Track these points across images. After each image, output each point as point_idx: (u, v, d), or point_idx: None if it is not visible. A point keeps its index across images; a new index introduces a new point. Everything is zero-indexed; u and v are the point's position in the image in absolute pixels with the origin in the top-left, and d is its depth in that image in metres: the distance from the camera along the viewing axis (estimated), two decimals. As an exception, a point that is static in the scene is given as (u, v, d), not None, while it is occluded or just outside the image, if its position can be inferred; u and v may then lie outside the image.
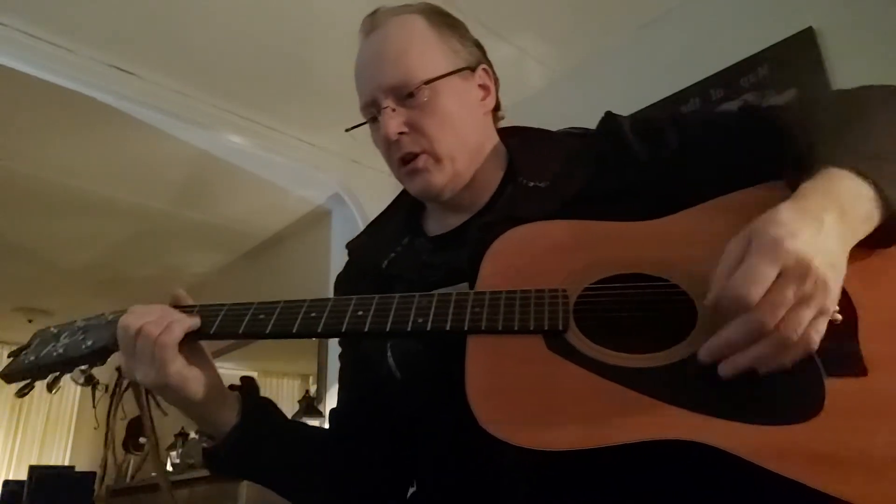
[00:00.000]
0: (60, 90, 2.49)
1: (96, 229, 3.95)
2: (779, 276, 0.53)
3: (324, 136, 3.04)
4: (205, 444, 0.80)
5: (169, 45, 2.41)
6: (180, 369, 0.73)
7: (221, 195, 3.66)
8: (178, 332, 0.72)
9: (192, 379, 0.74)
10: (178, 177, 3.43)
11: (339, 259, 3.55)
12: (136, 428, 4.38)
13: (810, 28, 1.89)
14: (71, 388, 6.04)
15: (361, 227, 3.07)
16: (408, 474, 0.89)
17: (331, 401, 3.21)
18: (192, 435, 3.98)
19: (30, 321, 5.08)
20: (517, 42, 2.45)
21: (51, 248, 4.19)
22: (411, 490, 0.89)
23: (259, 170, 3.33)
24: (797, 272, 0.53)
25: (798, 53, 1.90)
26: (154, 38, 2.36)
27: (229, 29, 2.33)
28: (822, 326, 0.54)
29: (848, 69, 1.81)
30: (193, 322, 0.75)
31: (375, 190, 3.14)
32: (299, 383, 3.89)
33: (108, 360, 0.80)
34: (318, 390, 3.45)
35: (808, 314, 0.53)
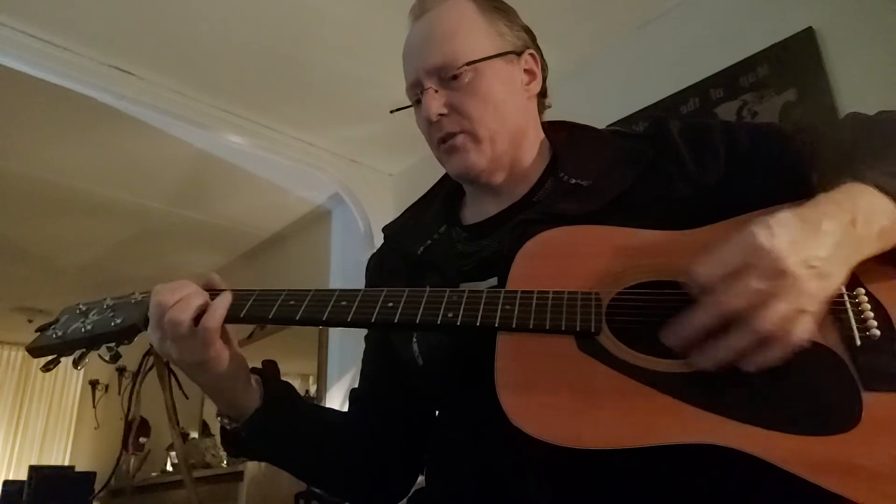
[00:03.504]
0: (60, 90, 2.49)
1: (96, 229, 3.95)
2: (747, 268, 0.54)
3: (323, 136, 3.04)
4: (226, 425, 0.81)
5: (168, 46, 2.41)
6: (219, 350, 0.74)
7: (221, 195, 3.66)
8: (219, 317, 0.73)
9: (226, 359, 0.75)
10: (178, 177, 3.43)
11: (339, 259, 3.56)
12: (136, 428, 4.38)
13: (810, 28, 1.89)
14: (71, 388, 6.05)
15: (361, 227, 3.10)
16: (420, 462, 0.90)
17: (331, 400, 3.22)
18: (193, 435, 3.98)
19: (30, 321, 5.08)
20: (517, 42, 2.45)
21: (50, 248, 4.19)
22: (419, 479, 0.90)
23: (259, 170, 3.34)
24: (765, 266, 0.54)
25: (798, 53, 1.91)
26: (154, 38, 2.37)
27: (229, 29, 2.33)
28: (803, 325, 0.54)
29: (848, 69, 1.81)
30: (228, 302, 0.74)
31: (375, 190, 3.11)
32: (299, 383, 3.89)
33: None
34: (318, 390, 3.45)
35: (780, 307, 0.53)
